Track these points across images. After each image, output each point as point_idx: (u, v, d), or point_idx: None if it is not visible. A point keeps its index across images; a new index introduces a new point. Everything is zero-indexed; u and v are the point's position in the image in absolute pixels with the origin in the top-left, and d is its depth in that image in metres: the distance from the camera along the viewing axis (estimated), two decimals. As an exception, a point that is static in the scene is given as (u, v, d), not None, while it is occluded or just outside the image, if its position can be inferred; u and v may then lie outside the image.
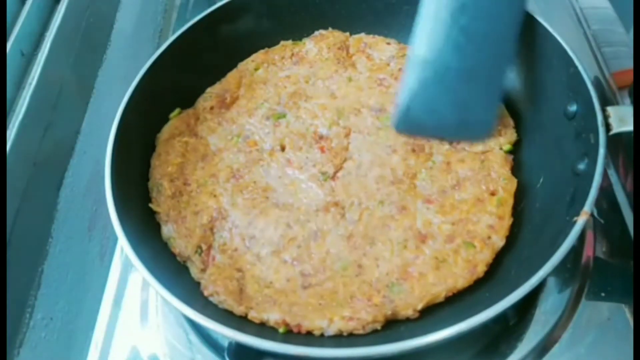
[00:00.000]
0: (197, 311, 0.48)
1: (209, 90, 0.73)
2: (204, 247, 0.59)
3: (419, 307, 0.52)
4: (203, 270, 0.57)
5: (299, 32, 0.78)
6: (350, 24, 0.78)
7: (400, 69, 0.72)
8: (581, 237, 0.61)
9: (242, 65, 0.76)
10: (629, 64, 0.82)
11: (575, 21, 0.88)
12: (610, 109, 0.54)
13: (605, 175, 0.51)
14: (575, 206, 0.50)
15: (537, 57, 0.64)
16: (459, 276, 0.53)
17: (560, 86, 0.60)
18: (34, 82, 0.65)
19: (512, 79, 0.68)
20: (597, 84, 0.57)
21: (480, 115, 0.61)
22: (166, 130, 0.67)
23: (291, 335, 0.52)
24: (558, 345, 0.55)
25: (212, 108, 0.71)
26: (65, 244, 0.66)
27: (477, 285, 0.54)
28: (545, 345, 0.55)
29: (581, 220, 0.48)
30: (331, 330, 0.51)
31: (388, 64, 0.74)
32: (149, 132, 0.67)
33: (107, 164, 0.57)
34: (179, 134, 0.67)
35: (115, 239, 0.70)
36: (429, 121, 0.60)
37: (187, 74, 0.71)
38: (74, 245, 0.68)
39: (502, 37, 0.59)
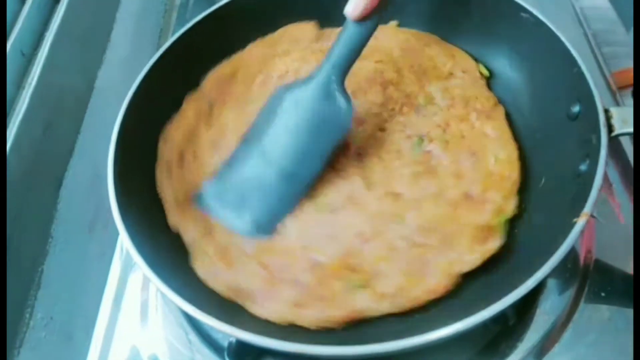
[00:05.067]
0: (196, 307, 0.48)
1: None
2: None
3: None
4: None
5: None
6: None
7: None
8: (581, 238, 0.61)
9: None
10: (629, 64, 0.82)
11: (575, 21, 0.88)
12: (613, 110, 0.54)
13: (606, 175, 0.51)
14: (575, 207, 0.49)
15: (540, 57, 0.64)
16: None
17: (563, 86, 0.60)
18: (34, 82, 0.65)
19: (515, 78, 0.69)
20: (597, 84, 0.56)
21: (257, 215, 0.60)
22: None
23: (291, 332, 0.52)
24: (558, 345, 0.55)
25: None
26: (65, 244, 0.66)
27: (476, 285, 0.54)
28: (545, 345, 0.55)
29: (581, 221, 0.48)
30: None
31: None
32: (149, 131, 0.66)
33: (110, 165, 0.57)
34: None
35: (115, 239, 0.70)
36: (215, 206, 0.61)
37: (187, 74, 0.70)
38: (74, 245, 0.68)
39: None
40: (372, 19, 0.56)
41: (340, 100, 0.59)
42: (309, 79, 0.60)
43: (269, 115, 0.62)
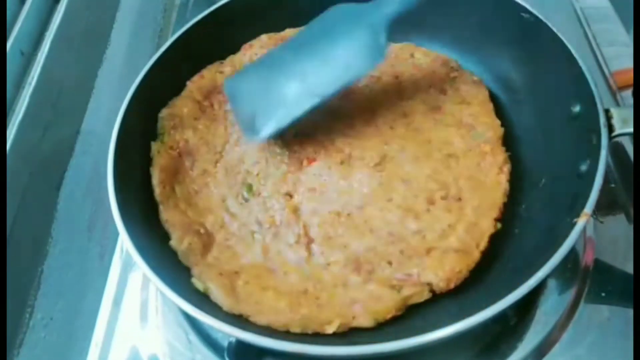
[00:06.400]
0: (196, 307, 0.48)
1: None
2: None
3: None
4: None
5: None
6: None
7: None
8: (582, 238, 0.61)
9: None
10: (629, 64, 0.82)
11: (576, 21, 0.88)
12: (613, 110, 0.54)
13: (606, 176, 0.51)
14: (576, 207, 0.49)
15: (541, 57, 0.64)
16: None
17: (564, 87, 0.60)
18: (34, 82, 0.65)
19: (515, 79, 0.69)
20: (597, 84, 0.56)
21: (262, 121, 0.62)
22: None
23: (290, 333, 0.52)
24: (558, 346, 0.55)
25: None
26: (65, 244, 0.66)
27: (476, 285, 0.54)
28: (545, 346, 0.55)
29: (581, 221, 0.48)
30: None
31: None
32: (149, 131, 0.66)
33: (110, 165, 0.57)
34: None
35: (115, 239, 0.70)
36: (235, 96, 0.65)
37: (187, 74, 0.71)
38: (74, 245, 0.68)
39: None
40: None
41: (382, 38, 0.59)
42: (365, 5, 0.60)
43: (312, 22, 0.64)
